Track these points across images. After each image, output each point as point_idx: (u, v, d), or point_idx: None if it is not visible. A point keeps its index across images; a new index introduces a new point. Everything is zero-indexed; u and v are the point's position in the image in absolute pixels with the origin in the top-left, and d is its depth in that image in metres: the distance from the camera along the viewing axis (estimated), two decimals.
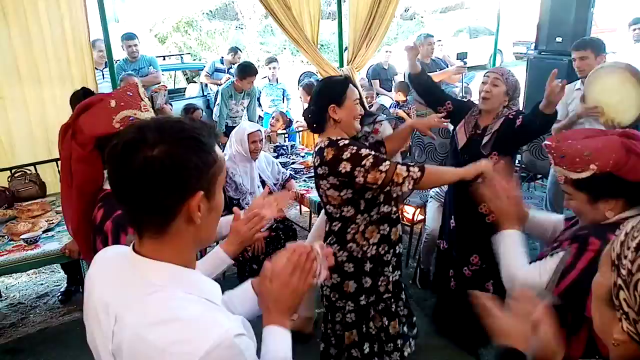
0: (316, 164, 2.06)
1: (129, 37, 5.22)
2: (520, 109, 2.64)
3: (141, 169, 0.81)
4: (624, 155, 1.29)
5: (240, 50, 6.45)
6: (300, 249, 1.05)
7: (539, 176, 4.65)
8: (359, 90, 2.65)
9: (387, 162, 1.93)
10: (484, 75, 2.61)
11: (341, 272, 2.19)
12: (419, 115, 5.06)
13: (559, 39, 4.96)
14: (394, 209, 2.19)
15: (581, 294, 1.18)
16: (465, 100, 2.83)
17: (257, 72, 5.16)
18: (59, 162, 3.45)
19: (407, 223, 3.89)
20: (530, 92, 5.28)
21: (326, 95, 2.06)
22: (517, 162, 3.97)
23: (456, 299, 2.82)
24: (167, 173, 0.81)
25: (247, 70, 5.03)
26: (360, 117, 2.13)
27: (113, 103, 1.39)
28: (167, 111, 2.49)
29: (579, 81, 3.20)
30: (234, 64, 6.02)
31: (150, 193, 0.83)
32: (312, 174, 2.86)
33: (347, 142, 2.00)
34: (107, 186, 1.41)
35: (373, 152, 1.96)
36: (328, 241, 2.18)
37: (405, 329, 2.42)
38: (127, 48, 5.20)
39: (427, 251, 3.51)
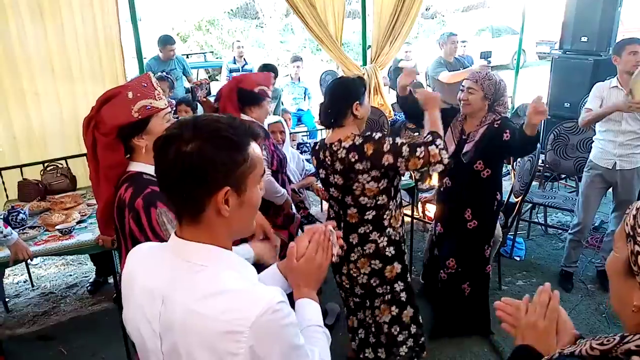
0: (353, 160, 2.11)
1: (168, 41, 5.38)
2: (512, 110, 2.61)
3: (174, 162, 0.90)
4: None
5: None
6: (319, 229, 1.18)
7: (563, 176, 4.62)
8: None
9: (421, 148, 2.06)
10: (461, 84, 2.66)
11: (383, 257, 2.29)
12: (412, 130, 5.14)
13: (584, 39, 4.90)
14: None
15: None
16: (449, 107, 2.89)
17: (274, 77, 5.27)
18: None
19: (429, 221, 3.90)
20: (554, 93, 5.22)
21: (351, 93, 2.18)
22: (540, 161, 3.96)
23: (436, 299, 3.00)
24: (194, 167, 0.89)
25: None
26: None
27: (130, 94, 1.50)
28: (210, 103, 2.59)
29: (614, 78, 3.15)
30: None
31: (181, 184, 0.91)
32: None
33: (380, 134, 2.12)
34: (131, 168, 1.54)
35: (405, 140, 2.10)
36: (363, 230, 2.26)
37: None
38: (166, 52, 5.36)
39: None
